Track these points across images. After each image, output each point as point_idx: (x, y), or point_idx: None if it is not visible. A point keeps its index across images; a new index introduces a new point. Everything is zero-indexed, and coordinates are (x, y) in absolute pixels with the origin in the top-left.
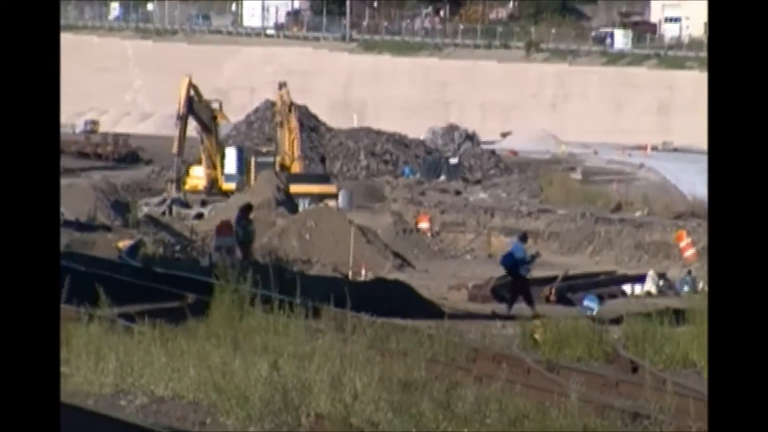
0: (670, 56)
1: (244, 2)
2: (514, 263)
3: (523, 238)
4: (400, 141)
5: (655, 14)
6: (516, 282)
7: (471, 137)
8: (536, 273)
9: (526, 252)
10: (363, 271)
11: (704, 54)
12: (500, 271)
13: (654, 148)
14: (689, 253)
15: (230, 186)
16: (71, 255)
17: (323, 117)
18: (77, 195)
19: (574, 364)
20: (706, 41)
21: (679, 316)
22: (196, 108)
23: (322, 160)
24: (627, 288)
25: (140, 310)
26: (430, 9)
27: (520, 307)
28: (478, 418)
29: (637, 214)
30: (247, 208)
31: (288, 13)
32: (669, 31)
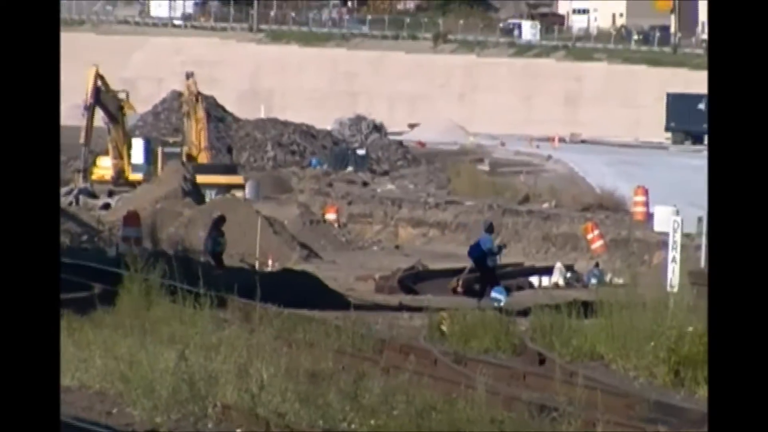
0: (578, 48)
1: None
2: (481, 254)
3: (490, 229)
4: (307, 132)
5: (563, 6)
6: (483, 273)
7: (378, 128)
8: (443, 264)
9: (494, 243)
10: (270, 262)
11: (612, 46)
12: (407, 262)
13: (562, 140)
14: (597, 245)
15: (137, 176)
16: None
17: (230, 107)
18: None
19: (481, 356)
20: (613, 33)
21: (586, 308)
22: (104, 98)
23: (229, 150)
24: (535, 280)
25: None
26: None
27: (428, 298)
28: (385, 409)
29: (545, 205)
30: (220, 221)
31: (195, 3)
32: (577, 23)
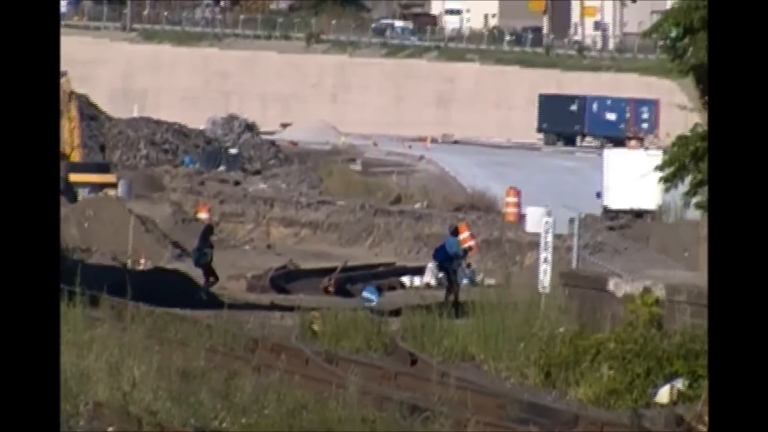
0: (451, 48)
1: None
2: (447, 257)
3: (455, 232)
4: (180, 131)
5: (436, 6)
6: (449, 275)
7: (251, 127)
8: (315, 264)
9: (459, 246)
10: (142, 261)
11: (485, 46)
12: (279, 262)
13: (434, 140)
14: (468, 245)
15: None
16: None
17: (104, 106)
18: None
19: (352, 355)
20: (486, 34)
21: (458, 308)
22: None
23: (102, 149)
24: (406, 280)
25: None
26: None
27: (299, 297)
28: (256, 408)
29: (417, 206)
30: (207, 231)
31: (69, 3)
32: (449, 24)
